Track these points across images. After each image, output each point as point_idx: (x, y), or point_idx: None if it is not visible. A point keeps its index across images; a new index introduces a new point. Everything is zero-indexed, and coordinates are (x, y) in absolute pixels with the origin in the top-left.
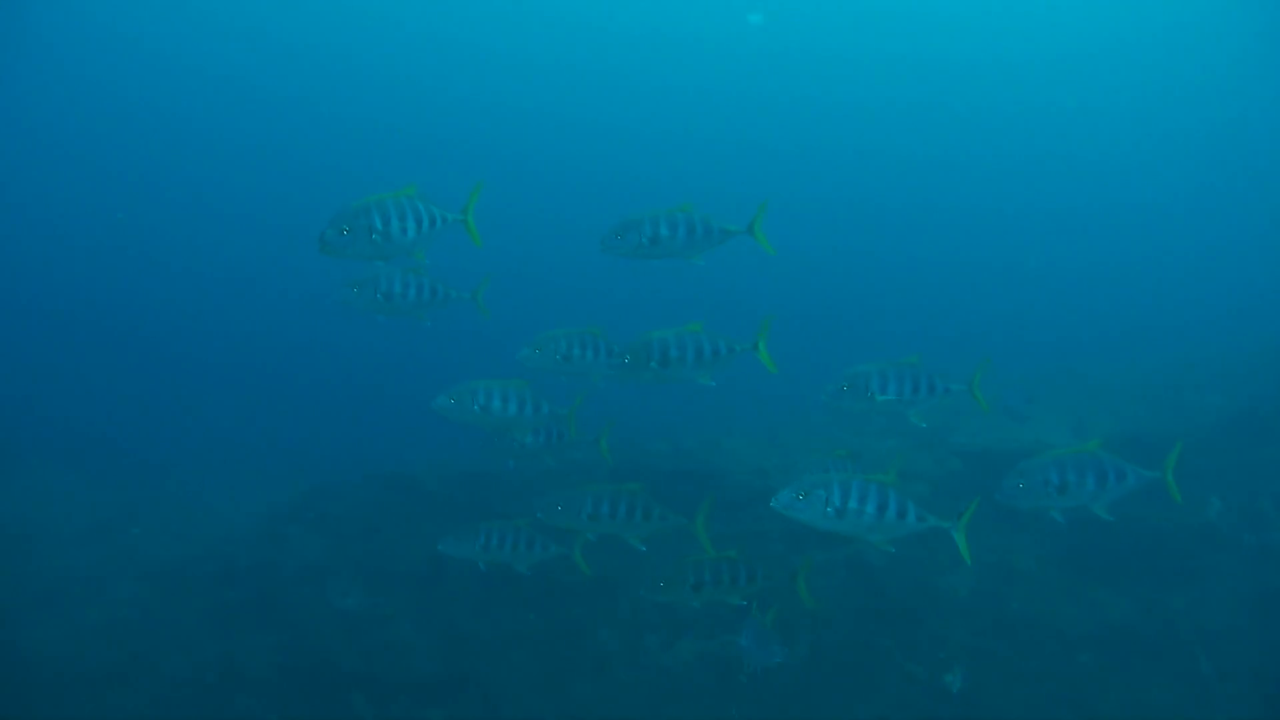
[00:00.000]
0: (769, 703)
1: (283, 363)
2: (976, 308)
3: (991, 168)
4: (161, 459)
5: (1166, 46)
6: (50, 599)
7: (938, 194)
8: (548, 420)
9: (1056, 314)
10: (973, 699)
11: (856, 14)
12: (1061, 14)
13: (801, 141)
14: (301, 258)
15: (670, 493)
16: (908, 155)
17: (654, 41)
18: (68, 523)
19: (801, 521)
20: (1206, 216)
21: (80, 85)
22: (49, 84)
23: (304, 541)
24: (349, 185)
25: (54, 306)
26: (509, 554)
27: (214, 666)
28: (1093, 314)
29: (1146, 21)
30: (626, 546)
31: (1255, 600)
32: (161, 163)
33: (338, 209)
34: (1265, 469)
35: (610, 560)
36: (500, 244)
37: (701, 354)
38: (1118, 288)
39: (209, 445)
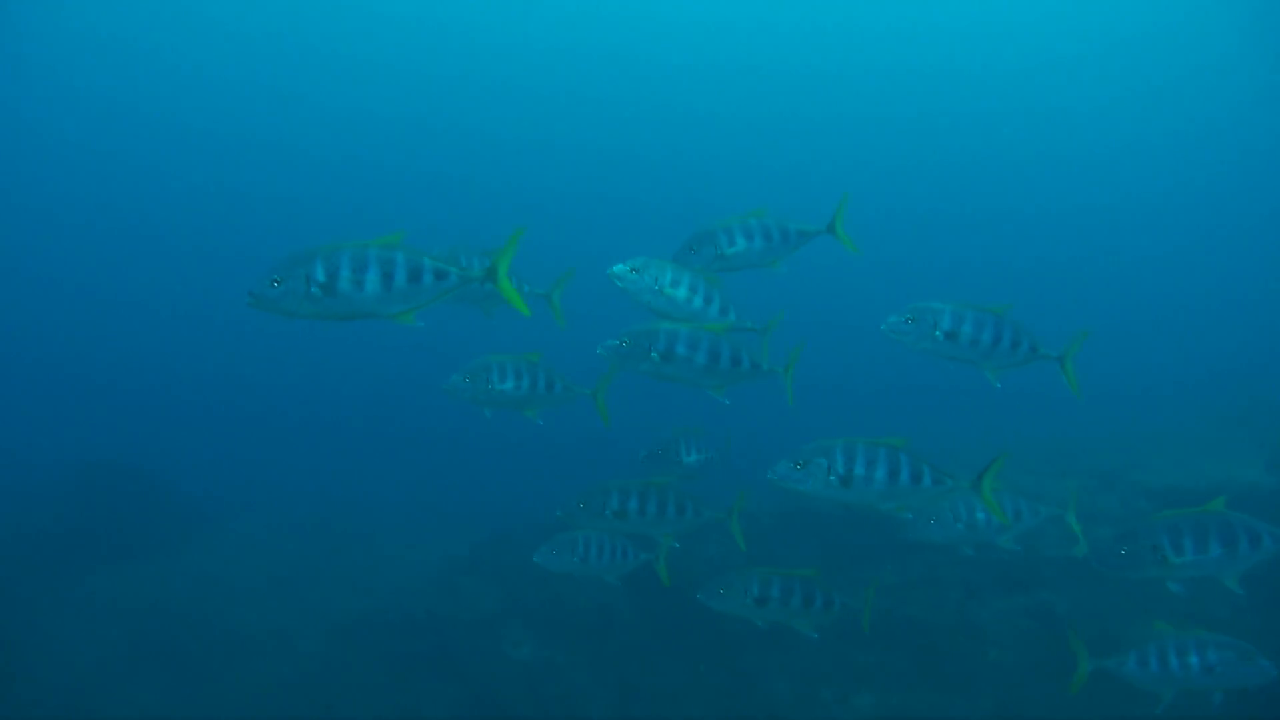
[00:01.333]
0: None
1: (454, 416)
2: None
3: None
4: (343, 512)
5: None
6: (240, 652)
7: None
8: (706, 441)
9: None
10: None
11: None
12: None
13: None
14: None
15: (844, 542)
16: (932, 166)
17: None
18: (255, 576)
19: (805, 494)
20: None
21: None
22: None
23: (479, 592)
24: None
25: (236, 370)
26: (606, 565)
27: (395, 718)
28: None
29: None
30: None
31: None
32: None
33: (279, 256)
34: None
35: None
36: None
37: (717, 360)
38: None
39: (387, 498)
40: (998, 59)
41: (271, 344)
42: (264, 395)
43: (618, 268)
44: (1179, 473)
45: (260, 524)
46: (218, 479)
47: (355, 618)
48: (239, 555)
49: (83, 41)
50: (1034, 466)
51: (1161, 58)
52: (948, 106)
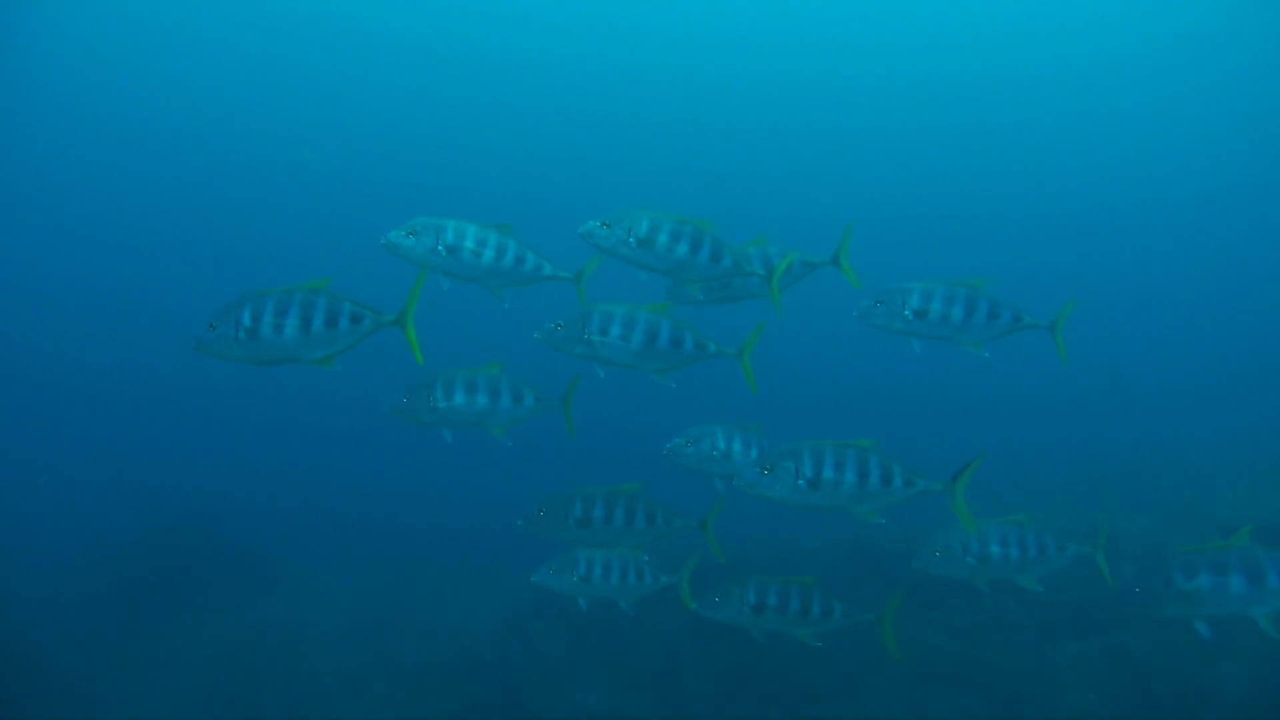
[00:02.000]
0: None
1: (522, 458)
2: None
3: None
4: (414, 558)
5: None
6: (313, 701)
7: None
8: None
9: None
10: None
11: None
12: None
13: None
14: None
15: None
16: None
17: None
18: (325, 625)
19: (775, 501)
20: None
21: None
22: None
23: (547, 638)
24: None
25: (314, 416)
26: (614, 587)
27: None
28: None
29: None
30: (863, 632)
31: None
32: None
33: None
34: None
35: (850, 650)
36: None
37: (655, 340)
38: None
39: (458, 543)
40: (1013, 62)
41: (317, 382)
42: (317, 436)
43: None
44: (1257, 508)
45: (327, 571)
46: (282, 524)
47: (425, 665)
48: (308, 604)
49: (84, 56)
50: (1108, 501)
51: (1193, 59)
52: (960, 113)
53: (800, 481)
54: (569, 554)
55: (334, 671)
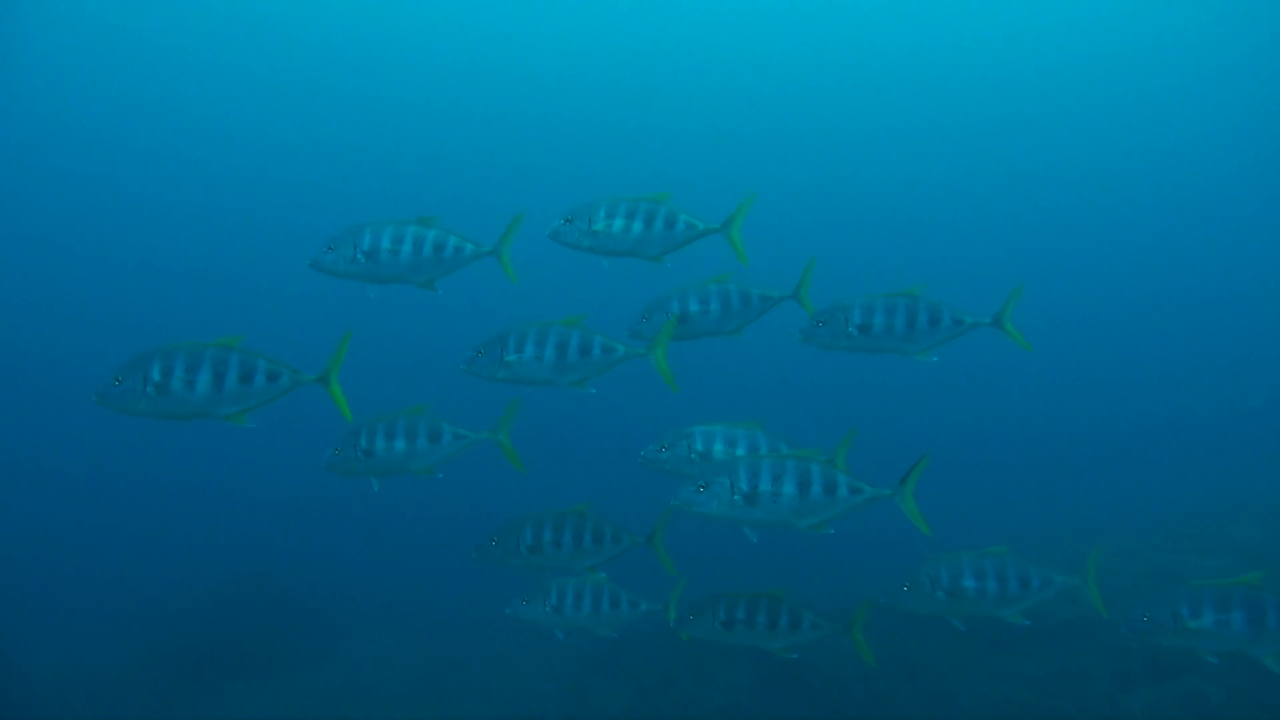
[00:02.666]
0: None
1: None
2: None
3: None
4: (474, 616)
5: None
6: None
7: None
8: None
9: None
10: None
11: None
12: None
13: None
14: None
15: (980, 630)
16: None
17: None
18: (388, 687)
19: (712, 519)
20: None
21: None
22: None
23: (609, 693)
24: None
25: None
26: (588, 616)
27: None
28: None
29: None
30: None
31: None
32: None
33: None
34: None
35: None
36: None
37: (565, 351)
38: None
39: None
40: (1008, 63)
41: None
42: (377, 497)
43: (551, 227)
44: None
45: (389, 632)
46: (344, 586)
47: None
48: (369, 665)
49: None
50: (1181, 542)
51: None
52: (950, 117)
53: (736, 497)
54: (540, 584)
55: None
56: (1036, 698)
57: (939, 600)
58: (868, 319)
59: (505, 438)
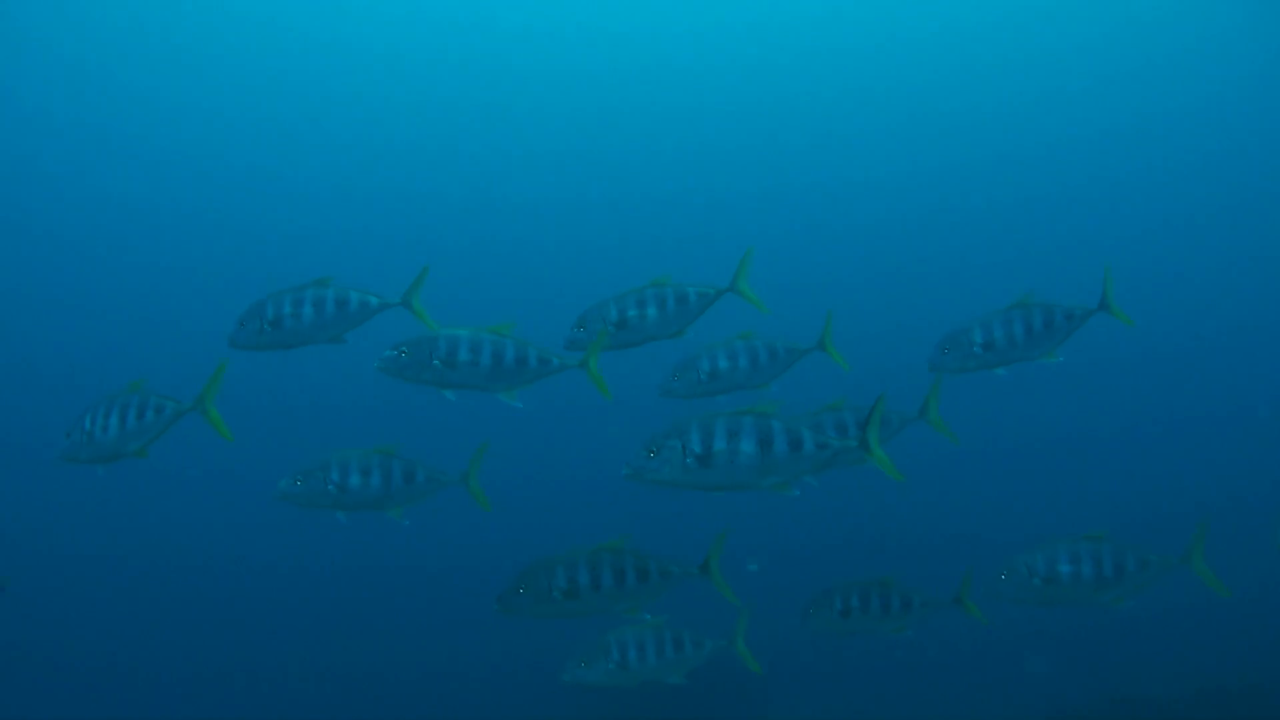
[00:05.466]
0: None
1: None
2: None
3: None
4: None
5: None
6: None
7: None
8: None
9: None
10: None
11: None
12: None
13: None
14: None
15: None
16: None
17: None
18: None
19: (667, 485)
20: None
21: None
22: None
23: None
24: None
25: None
26: (654, 666)
27: None
28: None
29: None
30: None
31: None
32: None
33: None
34: None
35: None
36: None
37: (501, 360)
38: None
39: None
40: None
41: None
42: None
43: (570, 333)
44: None
45: None
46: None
47: None
48: None
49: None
50: None
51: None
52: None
53: (689, 460)
54: (596, 641)
55: None
56: None
57: (1036, 588)
58: (989, 336)
59: (474, 482)
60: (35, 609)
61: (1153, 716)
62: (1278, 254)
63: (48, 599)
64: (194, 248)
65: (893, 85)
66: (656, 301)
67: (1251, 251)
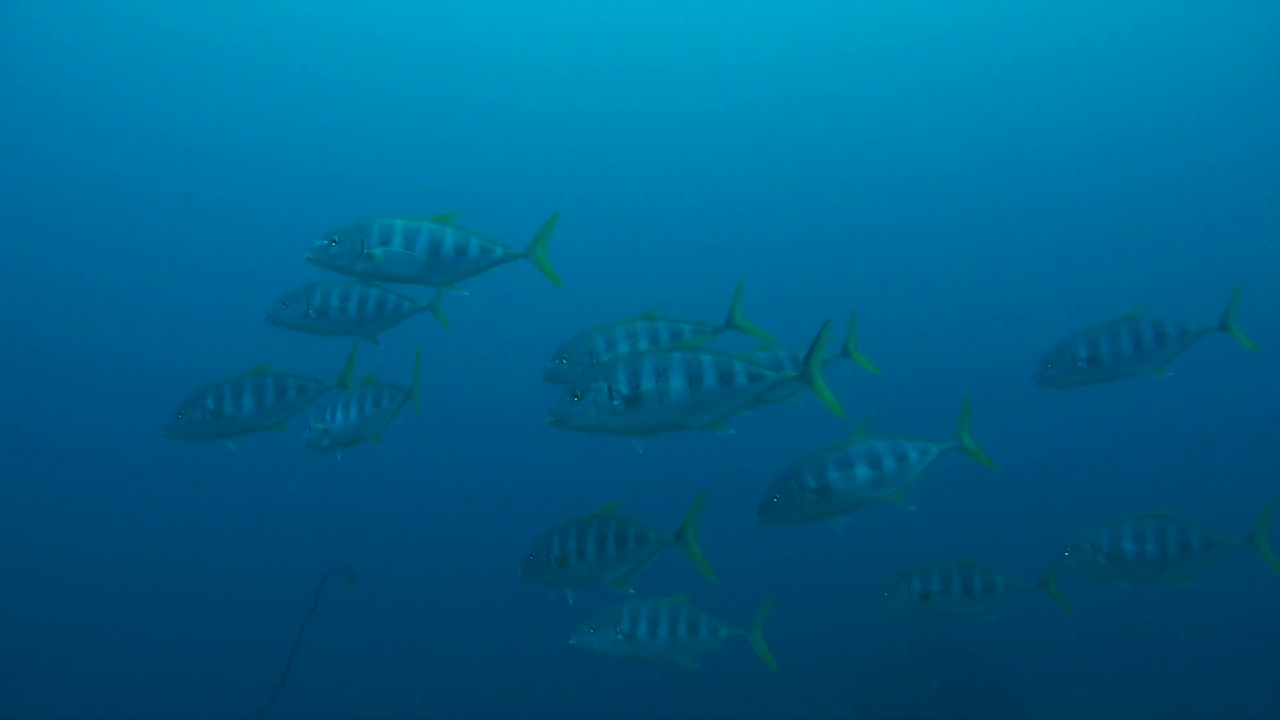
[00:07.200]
0: None
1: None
2: None
3: None
4: None
5: None
6: None
7: None
8: None
9: None
10: None
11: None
12: None
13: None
14: None
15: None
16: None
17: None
18: None
19: (594, 430)
20: None
21: None
22: None
23: None
24: None
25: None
26: (664, 644)
27: None
28: None
29: None
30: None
31: None
32: None
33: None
34: None
35: None
36: None
37: (439, 250)
38: None
39: None
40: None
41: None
42: None
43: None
44: None
45: None
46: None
47: None
48: None
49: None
50: None
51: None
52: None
53: (616, 401)
54: (610, 609)
55: None
56: None
57: (1100, 565)
58: (1094, 350)
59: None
60: (35, 609)
61: None
62: None
63: (48, 599)
64: (194, 248)
65: (892, 85)
66: (648, 336)
67: None
